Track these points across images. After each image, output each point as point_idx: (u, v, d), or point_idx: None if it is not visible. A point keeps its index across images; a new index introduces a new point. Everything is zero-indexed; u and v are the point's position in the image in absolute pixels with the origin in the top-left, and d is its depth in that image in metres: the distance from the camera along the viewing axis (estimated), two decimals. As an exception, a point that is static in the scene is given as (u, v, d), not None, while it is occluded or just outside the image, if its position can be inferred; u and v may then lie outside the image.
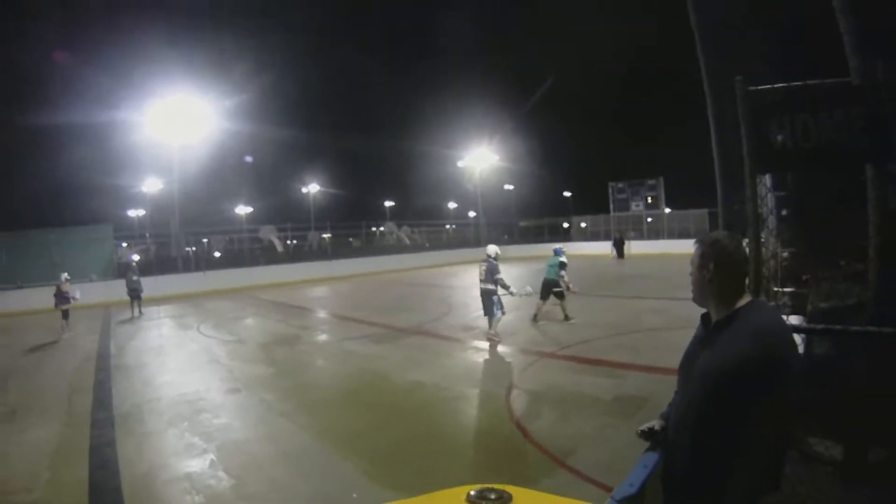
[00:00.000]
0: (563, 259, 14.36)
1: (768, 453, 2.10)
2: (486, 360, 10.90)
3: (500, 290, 11.94)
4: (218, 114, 25.94)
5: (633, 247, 32.46)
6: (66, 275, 16.50)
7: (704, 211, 32.85)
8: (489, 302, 11.96)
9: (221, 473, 6.19)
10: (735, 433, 2.10)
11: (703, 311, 2.42)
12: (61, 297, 15.64)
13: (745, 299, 2.25)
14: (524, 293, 12.43)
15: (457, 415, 8.08)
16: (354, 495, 5.67)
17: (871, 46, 3.66)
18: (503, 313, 12.14)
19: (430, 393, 8.93)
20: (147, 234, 29.10)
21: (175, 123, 24.09)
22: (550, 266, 14.35)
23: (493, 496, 0.89)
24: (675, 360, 7.79)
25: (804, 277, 5.70)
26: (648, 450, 2.70)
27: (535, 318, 14.19)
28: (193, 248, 28.57)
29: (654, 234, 35.66)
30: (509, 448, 6.73)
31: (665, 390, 7.88)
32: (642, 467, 2.46)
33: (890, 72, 3.35)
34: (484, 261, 12.24)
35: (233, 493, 5.78)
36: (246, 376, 10.30)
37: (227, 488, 5.86)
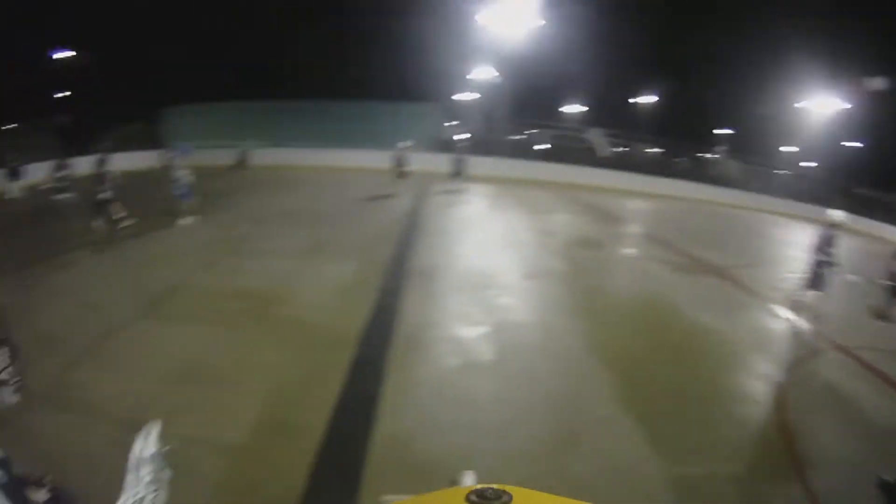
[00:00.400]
0: None
1: None
2: (776, 329, 9.76)
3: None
4: (558, 16, 25.66)
5: None
6: (406, 143, 19.09)
7: None
8: (819, 274, 10.29)
9: (487, 346, 6.74)
10: None
11: None
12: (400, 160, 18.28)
13: None
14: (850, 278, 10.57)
15: (726, 373, 7.46)
16: (598, 411, 5.69)
17: None
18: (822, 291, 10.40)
19: (709, 342, 8.36)
20: (474, 117, 30.79)
21: (511, 17, 24.37)
22: None
23: (493, 496, 0.84)
24: None
25: None
26: None
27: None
28: (520, 136, 29.80)
29: None
30: (759, 431, 6.11)
31: None
32: None
33: None
34: (824, 227, 10.39)
35: (489, 365, 6.33)
36: (542, 265, 10.72)
37: (486, 361, 6.44)
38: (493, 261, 10.44)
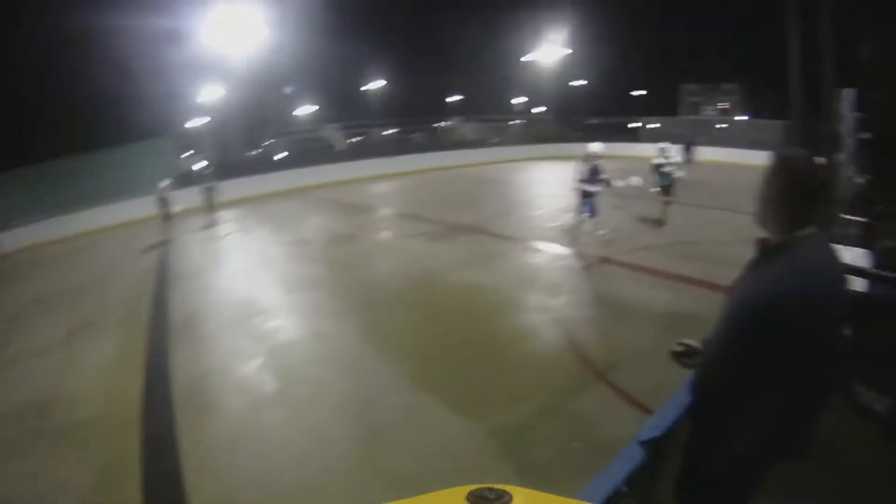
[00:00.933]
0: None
1: (791, 411, 1.82)
2: (541, 262, 10.64)
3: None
4: (276, 18, 25.26)
5: (702, 153, 30.65)
6: (166, 182, 17.83)
7: (778, 122, 30.37)
8: (592, 202, 11.52)
9: (268, 377, 6.38)
10: (755, 378, 1.91)
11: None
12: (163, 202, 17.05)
13: (807, 230, 1.96)
14: (632, 184, 11.99)
15: (504, 318, 7.97)
16: (392, 399, 5.70)
17: None
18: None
19: (480, 295, 8.84)
20: (209, 142, 29.24)
21: (233, 30, 23.61)
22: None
23: (492, 496, 0.75)
24: (732, 278, 7.40)
25: (877, 208, 5.22)
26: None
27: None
28: (258, 150, 28.92)
29: (726, 141, 33.29)
30: (553, 357, 6.61)
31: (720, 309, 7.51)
32: (671, 407, 2.29)
33: None
34: (586, 160, 11.63)
35: (277, 396, 5.99)
36: (301, 277, 10.50)
37: (271, 391, 6.08)
38: (253, 287, 9.98)
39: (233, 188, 21.84)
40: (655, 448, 2.07)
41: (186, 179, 22.55)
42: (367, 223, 16.18)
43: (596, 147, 11.65)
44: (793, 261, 1.87)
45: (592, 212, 11.54)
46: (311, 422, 5.43)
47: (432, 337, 7.32)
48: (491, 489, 0.89)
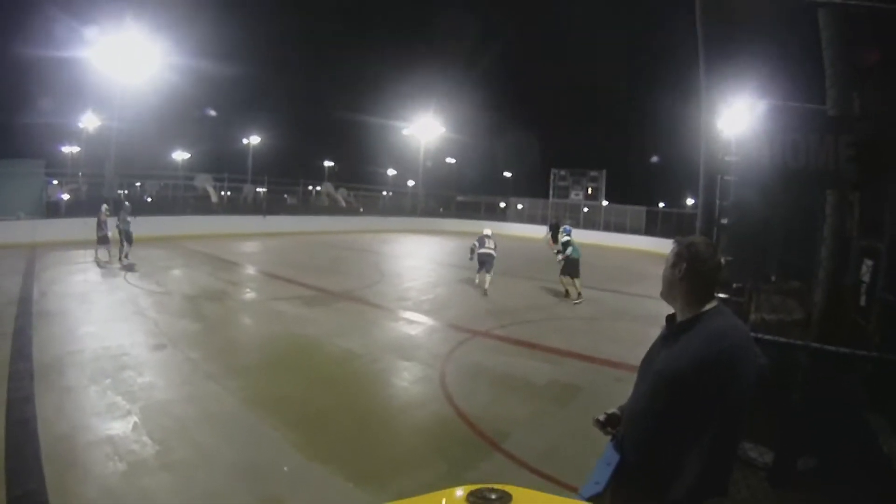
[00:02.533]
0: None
1: (715, 458, 2.02)
2: (418, 334, 10.72)
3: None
4: (163, 57, 24.46)
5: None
6: (105, 206, 17.31)
7: (642, 209, 33.26)
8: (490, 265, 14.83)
9: (145, 438, 5.84)
10: (682, 435, 2.06)
11: (668, 311, 2.41)
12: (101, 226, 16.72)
13: (711, 304, 2.23)
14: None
15: (389, 388, 7.92)
16: (285, 469, 5.46)
17: (850, 80, 3.63)
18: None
19: (362, 363, 8.72)
20: (80, 173, 27.18)
21: (117, 60, 22.54)
22: (575, 247, 14.98)
23: (492, 496, 0.79)
24: (609, 351, 8.05)
25: (734, 286, 5.75)
26: (612, 441, 2.61)
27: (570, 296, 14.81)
28: (126, 191, 27.18)
29: (591, 224, 35.84)
30: (443, 427, 6.63)
31: (599, 380, 8.07)
32: (605, 465, 2.38)
33: (867, 105, 3.35)
34: (487, 236, 15.20)
35: (156, 459, 5.46)
36: (172, 331, 9.76)
37: (150, 455, 5.53)
38: (122, 336, 9.10)
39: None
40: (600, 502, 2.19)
41: (53, 208, 20.70)
42: (240, 281, 15.57)
43: (488, 230, 15.76)
44: (707, 330, 2.11)
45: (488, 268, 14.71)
46: (201, 490, 4.98)
47: (318, 404, 7.08)
48: (491, 489, 0.93)
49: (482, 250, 14.97)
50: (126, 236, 17.31)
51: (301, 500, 4.97)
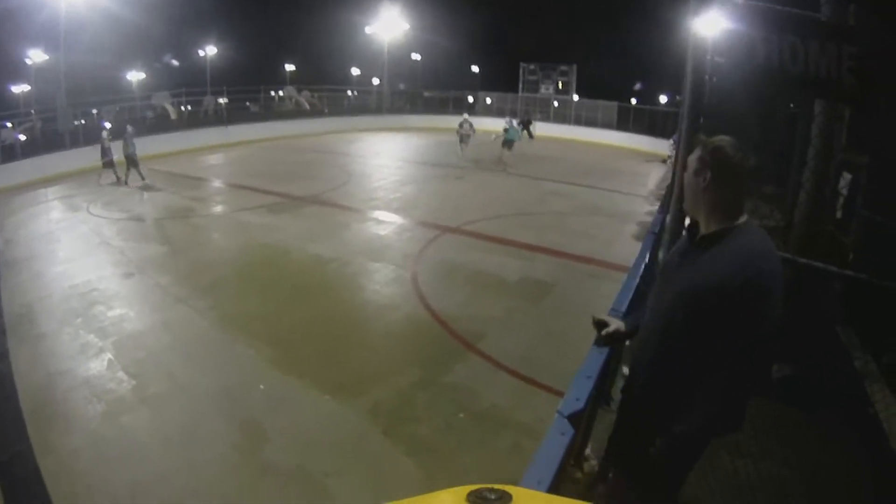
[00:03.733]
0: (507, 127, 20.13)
1: (731, 392, 1.85)
2: (388, 234, 10.55)
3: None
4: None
5: (539, 129, 31.76)
6: (105, 132, 17.38)
7: (614, 104, 32.03)
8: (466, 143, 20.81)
9: (121, 374, 5.76)
10: (700, 360, 1.89)
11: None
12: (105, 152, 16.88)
13: (741, 218, 1.92)
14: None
15: (361, 292, 7.83)
16: (261, 387, 5.40)
17: None
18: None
19: (333, 268, 8.61)
20: (32, 111, 25.70)
21: None
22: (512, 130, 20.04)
23: (493, 496, 0.65)
24: (582, 247, 7.90)
25: None
26: (595, 343, 2.49)
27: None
28: (83, 122, 25.83)
29: (561, 118, 34.72)
30: (416, 329, 6.60)
31: (571, 278, 7.98)
32: (585, 378, 2.21)
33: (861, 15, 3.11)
34: (465, 121, 20.97)
35: (133, 395, 5.40)
36: (139, 258, 9.43)
37: (127, 391, 5.46)
38: (89, 271, 8.80)
39: (57, 162, 19.47)
40: (579, 421, 2.05)
41: (8, 152, 19.61)
42: (205, 196, 14.88)
43: (466, 116, 21.50)
44: (733, 248, 1.84)
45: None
46: (179, 422, 4.94)
47: (290, 317, 7.00)
48: (491, 489, 0.83)
49: (461, 132, 20.88)
50: (131, 160, 16.72)
51: (278, 419, 4.95)
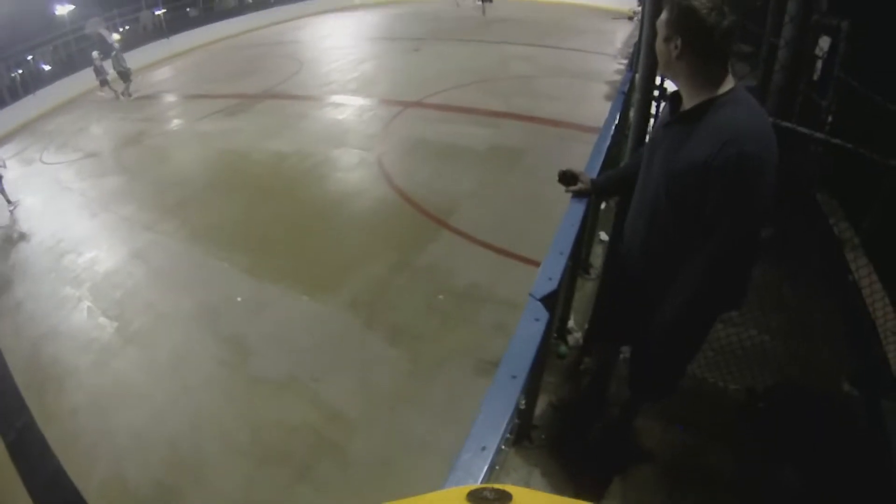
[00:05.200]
0: None
1: (720, 265, 1.68)
2: (347, 117, 9.94)
3: None
4: None
5: None
6: (95, 52, 16.97)
7: None
8: None
9: (102, 319, 5.60)
10: (687, 237, 1.72)
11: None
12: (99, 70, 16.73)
13: (725, 86, 1.62)
14: None
15: (325, 182, 7.48)
16: (238, 299, 5.25)
17: None
18: None
19: (294, 163, 8.20)
20: None
21: None
22: None
23: (492, 496, 0.39)
24: (549, 110, 7.39)
25: None
26: (573, 198, 2.41)
27: None
28: (20, 71, 24.31)
29: None
30: (386, 212, 6.34)
31: (542, 143, 7.53)
32: (558, 255, 2.03)
33: None
34: None
35: (118, 336, 5.28)
36: (100, 195, 8.95)
37: (111, 334, 5.34)
38: (51, 223, 8.36)
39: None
40: (555, 301, 1.87)
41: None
42: (155, 115, 13.73)
43: None
44: (715, 128, 1.58)
45: None
46: (166, 351, 4.85)
47: (259, 220, 6.74)
48: (491, 489, 0.62)
49: None
50: (124, 75, 16.70)
51: (260, 328, 4.83)
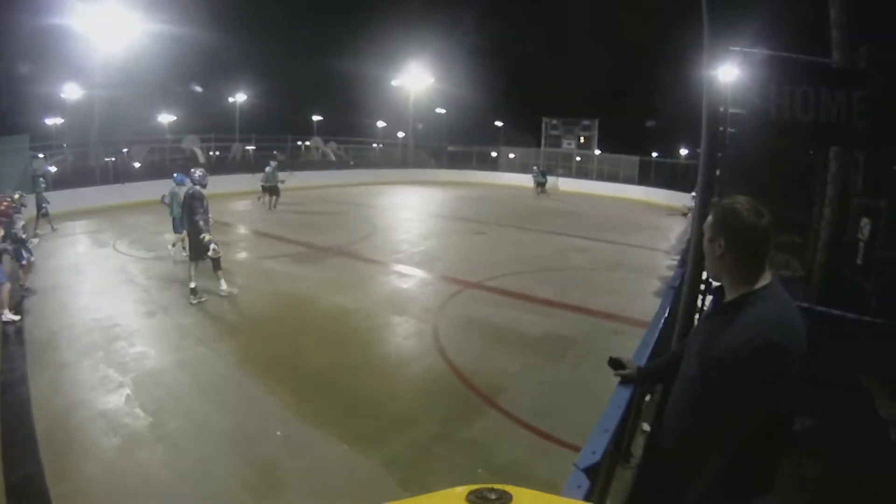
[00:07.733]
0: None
1: (757, 451, 1.83)
2: (411, 287, 10.63)
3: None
4: (144, 19, 23.73)
5: (561, 183, 32.28)
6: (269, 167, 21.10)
7: (636, 158, 32.48)
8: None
9: (138, 410, 5.80)
10: (722, 427, 1.86)
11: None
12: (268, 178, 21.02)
13: (762, 281, 1.89)
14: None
15: (383, 344, 7.88)
16: (278, 433, 5.41)
17: (857, 29, 3.47)
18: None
19: (356, 320, 8.66)
20: (64, 144, 26.50)
21: (98, 27, 21.80)
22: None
23: (493, 496, 0.73)
24: (605, 303, 7.90)
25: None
26: (620, 383, 2.61)
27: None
28: (113, 159, 26.51)
29: (583, 173, 35.33)
30: (436, 383, 6.60)
31: (594, 333, 7.97)
32: (603, 432, 2.23)
33: (874, 56, 3.21)
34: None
35: (150, 431, 5.43)
36: (162, 297, 9.63)
37: (144, 427, 5.50)
38: (112, 306, 8.95)
39: (86, 197, 20.01)
40: (596, 474, 2.05)
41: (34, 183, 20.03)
42: (230, 241, 14.81)
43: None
44: (749, 320, 1.81)
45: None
46: (195, 459, 4.96)
47: (310, 365, 7.03)
48: (492, 489, 0.89)
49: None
50: (273, 190, 21.10)
51: (294, 464, 4.94)
